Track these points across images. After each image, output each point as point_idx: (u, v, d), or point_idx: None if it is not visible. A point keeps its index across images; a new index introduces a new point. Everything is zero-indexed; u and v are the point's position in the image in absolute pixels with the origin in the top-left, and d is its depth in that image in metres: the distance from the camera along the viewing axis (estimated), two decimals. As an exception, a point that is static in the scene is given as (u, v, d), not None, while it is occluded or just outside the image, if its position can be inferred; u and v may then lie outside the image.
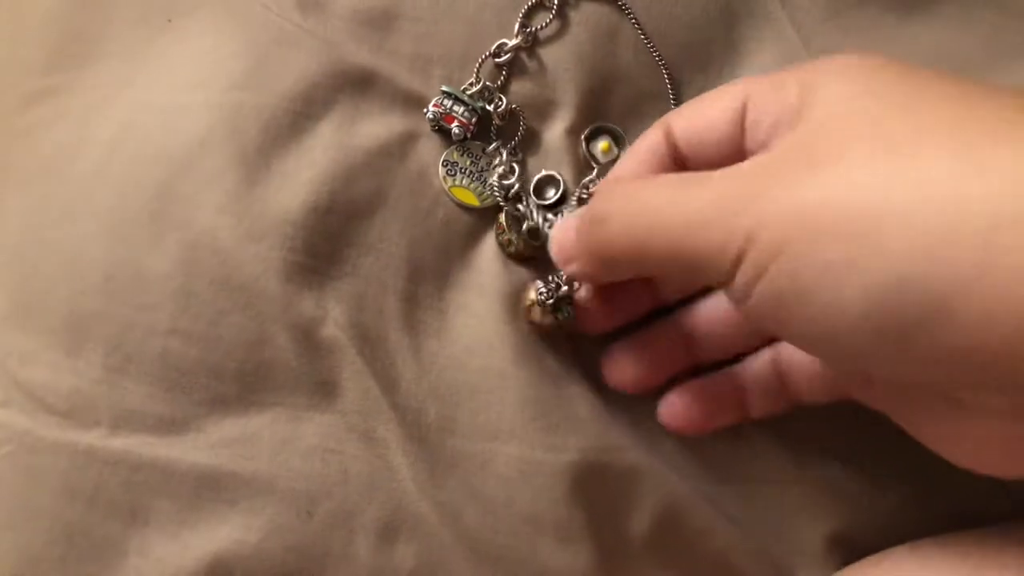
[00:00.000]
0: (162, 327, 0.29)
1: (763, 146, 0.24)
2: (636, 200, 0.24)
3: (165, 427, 0.28)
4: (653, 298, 0.30)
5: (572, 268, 0.28)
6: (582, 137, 0.32)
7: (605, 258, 0.26)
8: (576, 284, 0.30)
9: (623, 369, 0.30)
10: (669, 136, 0.27)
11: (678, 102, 0.33)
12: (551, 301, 0.29)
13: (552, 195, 0.32)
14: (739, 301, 0.23)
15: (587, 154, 0.32)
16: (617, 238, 0.25)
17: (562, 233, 0.28)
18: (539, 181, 0.32)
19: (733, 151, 0.25)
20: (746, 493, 0.31)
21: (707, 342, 0.30)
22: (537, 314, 0.30)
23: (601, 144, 0.32)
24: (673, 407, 0.30)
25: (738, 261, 0.22)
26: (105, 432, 0.28)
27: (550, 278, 0.30)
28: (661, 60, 0.32)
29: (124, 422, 0.28)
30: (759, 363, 0.30)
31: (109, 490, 0.28)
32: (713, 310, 0.30)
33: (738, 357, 0.30)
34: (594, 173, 0.32)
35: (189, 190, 0.29)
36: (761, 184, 0.22)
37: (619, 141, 0.32)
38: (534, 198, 0.32)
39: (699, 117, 0.26)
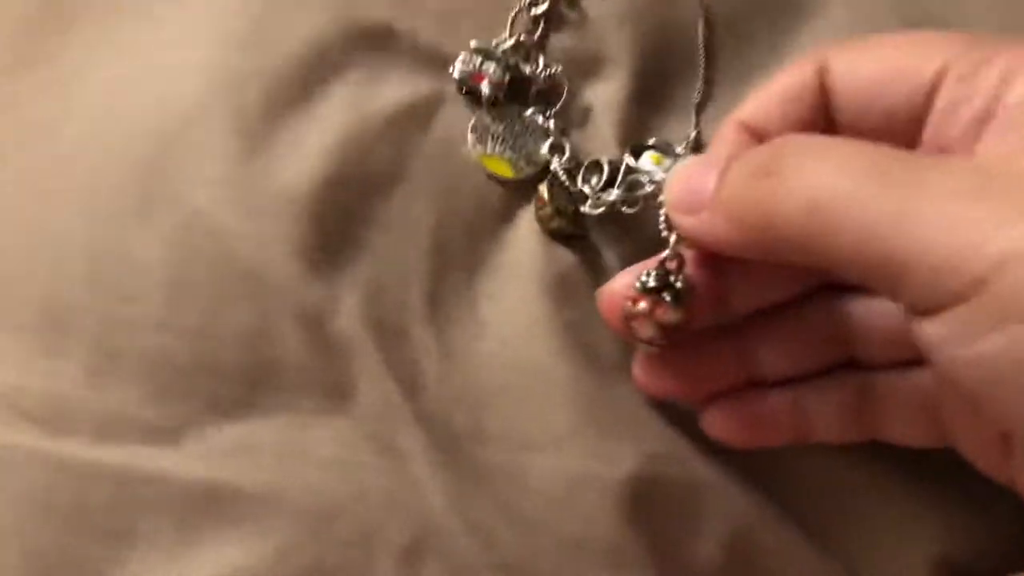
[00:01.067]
0: (152, 321, 0.26)
1: (954, 143, 0.21)
2: (832, 171, 0.19)
3: (156, 435, 0.26)
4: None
5: (692, 222, 0.22)
6: (626, 154, 0.28)
7: (757, 223, 0.20)
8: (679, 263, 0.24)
9: (658, 373, 0.26)
10: (824, 78, 0.23)
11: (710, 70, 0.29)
12: (663, 290, 0.23)
13: (596, 182, 0.28)
14: (936, 343, 0.18)
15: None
16: (788, 205, 0.19)
17: (695, 173, 0.22)
18: (590, 166, 0.28)
19: (904, 128, 0.22)
20: (839, 509, 0.27)
21: (769, 356, 0.26)
22: (556, 221, 0.26)
23: (649, 156, 0.28)
24: (712, 421, 0.26)
25: (962, 298, 0.17)
26: (87, 441, 0.26)
27: (646, 273, 0.24)
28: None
29: (109, 429, 0.26)
30: (839, 386, 0.26)
31: (92, 508, 0.25)
32: (779, 321, 0.26)
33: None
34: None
35: (181, 164, 0.26)
36: (1013, 208, 0.17)
37: (667, 154, 0.28)
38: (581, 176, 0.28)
39: (871, 66, 0.22)
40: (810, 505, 0.27)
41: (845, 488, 0.27)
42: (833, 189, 0.19)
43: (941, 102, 0.21)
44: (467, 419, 0.26)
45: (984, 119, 0.20)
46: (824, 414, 0.25)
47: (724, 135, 0.24)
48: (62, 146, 0.27)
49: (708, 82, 0.29)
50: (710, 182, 0.22)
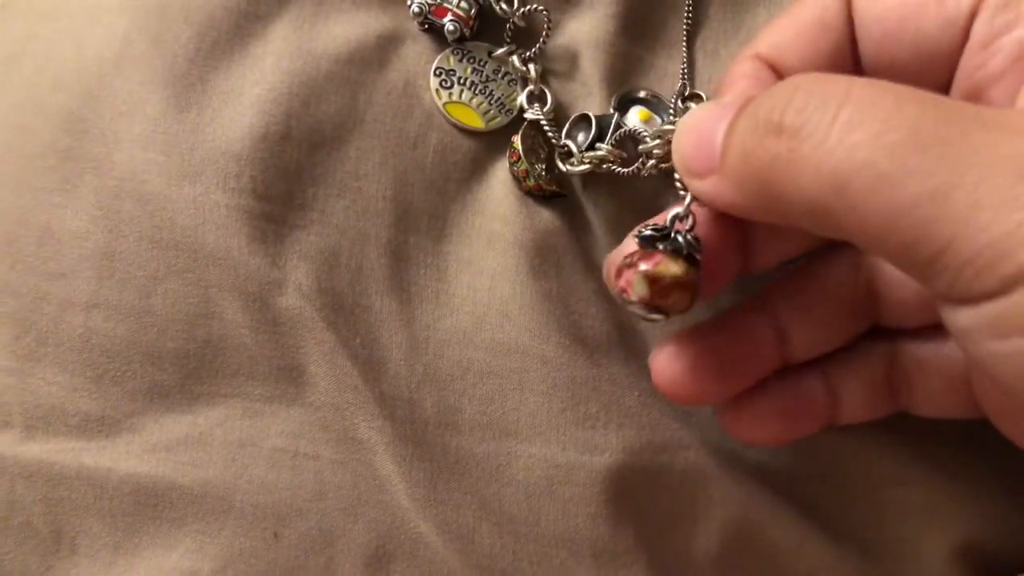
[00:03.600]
0: (81, 300, 0.23)
1: (992, 82, 0.18)
2: (865, 142, 0.16)
3: (93, 428, 0.24)
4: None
5: (701, 186, 0.19)
6: (611, 108, 0.25)
7: (769, 193, 0.18)
8: (691, 219, 0.21)
9: (688, 375, 0.22)
10: (850, 6, 0.20)
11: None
12: (660, 240, 0.20)
13: (583, 140, 0.24)
14: (971, 335, 0.16)
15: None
16: (806, 178, 0.16)
17: (704, 123, 0.19)
18: (575, 120, 0.25)
19: (935, 64, 0.19)
20: (854, 496, 0.25)
21: (799, 330, 0.23)
22: (533, 178, 0.23)
23: (638, 113, 0.25)
24: (738, 421, 0.23)
25: (1003, 291, 0.15)
26: (18, 436, 0.24)
27: (651, 225, 0.21)
28: None
29: (41, 422, 0.24)
30: (868, 359, 0.23)
31: (24, 509, 0.23)
32: (804, 284, 0.23)
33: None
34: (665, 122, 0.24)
35: (104, 120, 0.24)
36: None
37: (656, 108, 0.25)
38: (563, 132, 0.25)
39: None
40: (816, 492, 0.25)
41: (855, 474, 0.25)
42: (864, 166, 0.16)
43: (978, 33, 0.18)
44: (437, 404, 0.24)
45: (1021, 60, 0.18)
46: (854, 391, 0.23)
47: (739, 71, 0.21)
48: None
49: (698, 5, 0.26)
50: (719, 135, 0.18)
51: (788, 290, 0.23)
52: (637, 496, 0.24)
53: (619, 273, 0.20)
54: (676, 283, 0.19)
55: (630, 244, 0.21)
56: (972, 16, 0.19)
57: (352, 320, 0.23)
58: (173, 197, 0.23)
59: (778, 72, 0.21)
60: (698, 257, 0.20)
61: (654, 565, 0.24)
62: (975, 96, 0.19)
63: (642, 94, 0.25)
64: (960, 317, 0.16)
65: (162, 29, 0.24)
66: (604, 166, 0.24)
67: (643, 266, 0.20)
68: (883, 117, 0.16)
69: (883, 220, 0.15)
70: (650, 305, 0.20)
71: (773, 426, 0.23)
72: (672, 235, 0.20)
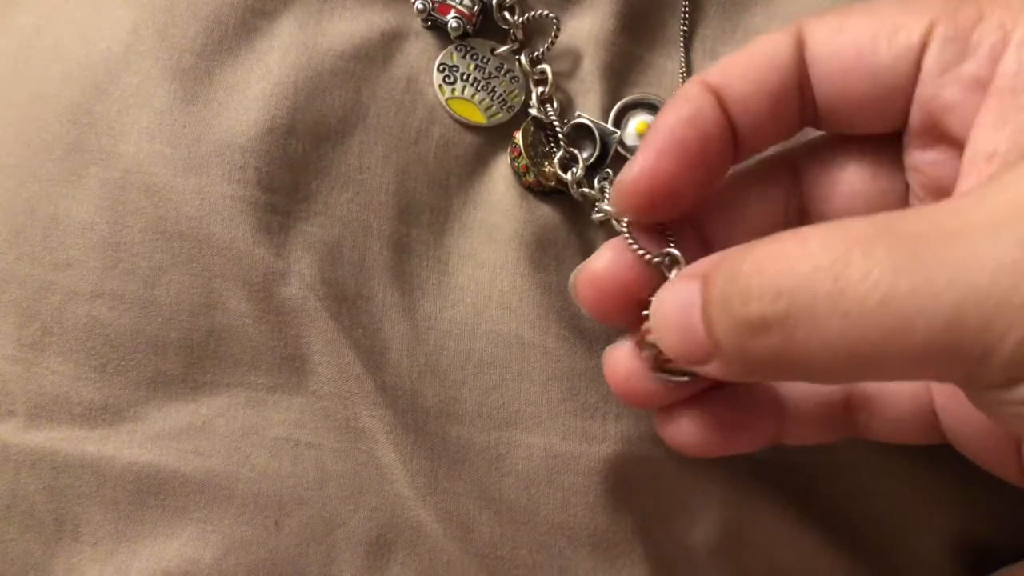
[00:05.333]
0: (86, 289, 0.23)
1: (948, 111, 0.18)
2: (861, 317, 0.15)
3: (96, 416, 0.24)
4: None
5: (711, 370, 0.18)
6: (611, 115, 0.25)
7: (788, 371, 0.17)
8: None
9: (636, 375, 0.21)
10: (803, 49, 0.20)
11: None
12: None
13: (586, 157, 0.25)
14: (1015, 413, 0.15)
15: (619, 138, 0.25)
16: (818, 358, 0.16)
17: (681, 318, 0.18)
18: (572, 128, 0.25)
19: (889, 99, 0.19)
20: (849, 489, 0.25)
21: None
22: (533, 174, 0.23)
23: (636, 124, 0.25)
24: (673, 426, 0.22)
25: None
26: (21, 424, 0.24)
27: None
28: None
29: (45, 411, 0.24)
30: (818, 388, 0.22)
31: (28, 497, 0.23)
32: None
33: None
34: None
35: (111, 112, 0.24)
36: None
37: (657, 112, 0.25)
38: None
39: (852, 32, 0.19)
40: (810, 483, 0.25)
41: (849, 466, 0.25)
42: (868, 332, 0.15)
43: (929, 65, 0.19)
44: (438, 394, 0.24)
45: (980, 85, 0.18)
46: (805, 410, 0.22)
47: (687, 92, 0.21)
48: None
49: (696, 7, 0.26)
50: (701, 331, 0.17)
51: None
52: (635, 486, 0.24)
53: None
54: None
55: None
56: (922, 49, 0.19)
57: (354, 311, 0.24)
58: (179, 188, 0.23)
59: (721, 102, 0.20)
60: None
61: (651, 555, 0.24)
62: (932, 126, 0.20)
63: (639, 97, 0.25)
64: (1003, 397, 0.15)
65: (169, 24, 0.24)
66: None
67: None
68: (858, 275, 0.15)
69: (919, 350, 0.15)
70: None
71: (710, 436, 0.21)
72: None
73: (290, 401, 0.24)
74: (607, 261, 0.21)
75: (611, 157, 0.25)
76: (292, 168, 0.24)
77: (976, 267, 0.14)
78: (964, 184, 0.18)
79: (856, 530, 0.25)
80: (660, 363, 0.20)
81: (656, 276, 0.21)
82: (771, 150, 0.22)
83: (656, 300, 0.19)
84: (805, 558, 0.25)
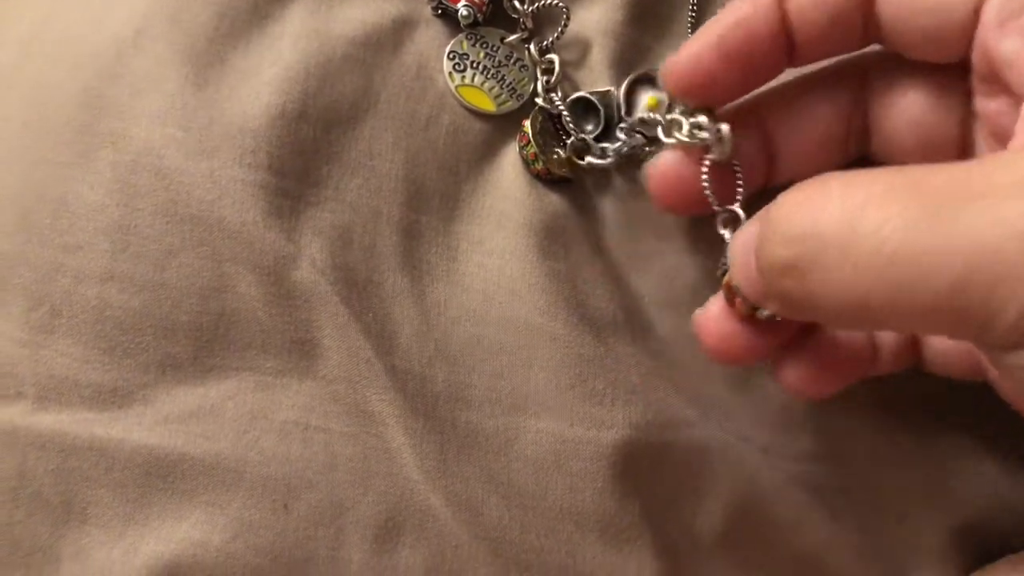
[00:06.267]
0: (96, 272, 0.23)
1: (1009, 67, 0.18)
2: (862, 237, 0.16)
3: (105, 399, 0.23)
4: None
5: (769, 307, 0.20)
6: (621, 90, 0.25)
7: (808, 312, 0.18)
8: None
9: (735, 333, 0.22)
10: None
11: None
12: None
13: (591, 129, 0.25)
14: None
15: (625, 110, 0.25)
16: (832, 303, 0.17)
17: (743, 255, 0.20)
18: (572, 104, 0.25)
19: (953, 32, 0.19)
20: (854, 476, 0.25)
21: None
22: (542, 162, 0.24)
23: (647, 99, 0.25)
24: (788, 376, 0.23)
25: None
26: (30, 406, 0.24)
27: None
28: None
29: (54, 393, 0.23)
30: None
31: (36, 479, 0.23)
32: None
33: None
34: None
35: (122, 95, 0.24)
36: None
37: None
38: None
39: None
40: (816, 471, 0.25)
41: (855, 455, 0.25)
42: (873, 262, 0.15)
43: (990, 13, 0.19)
44: (448, 379, 0.24)
45: None
46: (889, 340, 0.23)
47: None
48: None
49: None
50: (753, 264, 0.19)
51: None
52: (643, 472, 0.24)
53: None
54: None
55: (715, 305, 0.22)
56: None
57: (365, 295, 0.24)
58: (190, 171, 0.23)
59: (782, 5, 0.21)
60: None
61: (658, 540, 0.24)
62: (993, 75, 0.20)
63: (645, 71, 0.25)
64: (1012, 360, 0.15)
65: (181, 9, 0.24)
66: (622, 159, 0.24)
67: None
68: (872, 243, 0.15)
69: (929, 305, 0.15)
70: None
71: (822, 375, 0.22)
72: None
73: (299, 385, 0.24)
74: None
75: (617, 123, 0.25)
76: (303, 153, 0.24)
77: (988, 230, 0.14)
78: (1017, 142, 0.18)
79: (862, 517, 0.25)
80: (748, 310, 0.21)
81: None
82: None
83: (731, 241, 0.21)
84: (811, 543, 0.25)
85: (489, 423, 0.24)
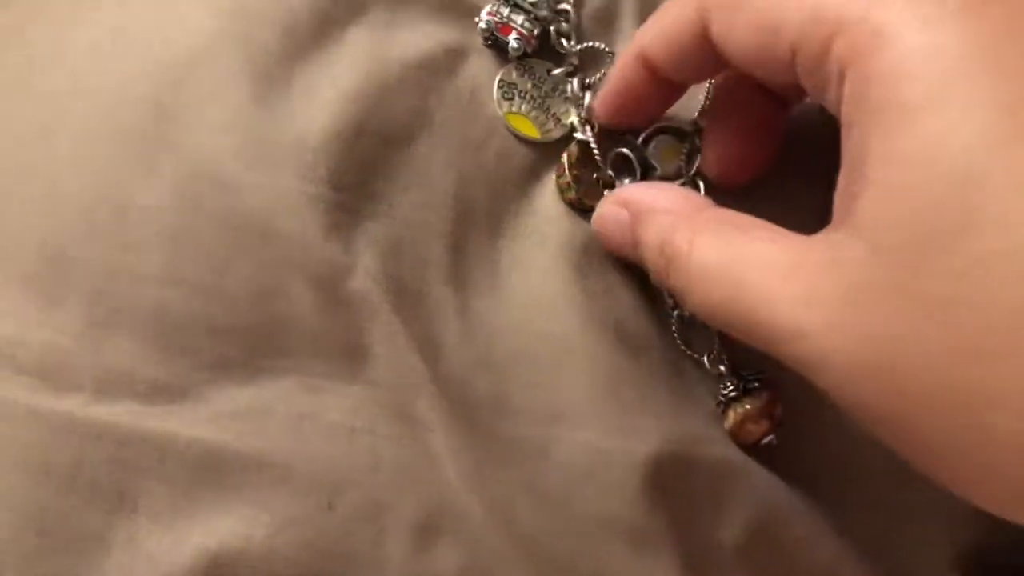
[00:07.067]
0: (155, 274, 0.24)
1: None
2: (678, 256, 0.22)
3: (159, 395, 0.24)
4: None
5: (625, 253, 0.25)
6: (638, 141, 0.27)
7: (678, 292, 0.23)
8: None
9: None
10: (707, 27, 0.23)
11: None
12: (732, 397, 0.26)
13: (629, 181, 0.27)
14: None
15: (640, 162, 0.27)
16: (698, 293, 0.22)
17: (610, 219, 0.25)
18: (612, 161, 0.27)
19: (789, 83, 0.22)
20: (865, 493, 0.26)
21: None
22: (573, 192, 0.26)
23: (662, 148, 0.27)
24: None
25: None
26: (87, 398, 0.24)
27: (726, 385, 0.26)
28: None
29: (111, 387, 0.24)
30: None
31: (91, 469, 0.24)
32: None
33: None
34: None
35: (188, 107, 0.25)
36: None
37: (687, 140, 0.27)
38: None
39: (742, 29, 0.21)
40: (834, 489, 0.26)
41: (869, 474, 0.26)
42: (698, 298, 0.22)
43: (802, 79, 0.21)
44: (489, 388, 0.25)
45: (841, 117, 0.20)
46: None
47: (623, 59, 0.25)
48: (60, 84, 0.25)
49: None
50: (620, 233, 0.25)
51: None
52: (671, 483, 0.25)
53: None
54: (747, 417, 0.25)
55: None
56: (792, 66, 0.21)
57: (413, 306, 0.25)
58: (250, 182, 0.24)
59: (646, 61, 0.24)
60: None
61: (682, 551, 0.25)
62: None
63: (663, 124, 0.27)
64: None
65: (247, 30, 0.25)
66: None
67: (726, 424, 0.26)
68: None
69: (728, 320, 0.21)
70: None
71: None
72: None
73: (347, 389, 0.24)
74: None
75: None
76: (361, 169, 0.25)
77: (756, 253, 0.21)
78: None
79: (874, 536, 0.26)
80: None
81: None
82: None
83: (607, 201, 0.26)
84: (827, 561, 0.26)
85: (526, 432, 0.25)
